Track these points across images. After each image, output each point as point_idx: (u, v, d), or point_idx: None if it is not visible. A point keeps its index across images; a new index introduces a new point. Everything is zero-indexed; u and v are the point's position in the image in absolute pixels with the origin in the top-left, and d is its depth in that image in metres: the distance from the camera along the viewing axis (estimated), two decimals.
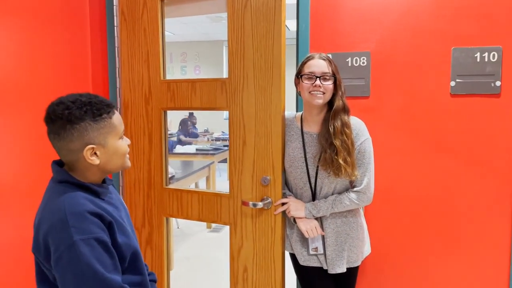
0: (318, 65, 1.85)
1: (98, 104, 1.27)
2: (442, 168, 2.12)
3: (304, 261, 1.97)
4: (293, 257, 2.06)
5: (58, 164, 1.35)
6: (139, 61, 2.33)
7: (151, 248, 2.41)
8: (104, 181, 1.42)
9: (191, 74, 10.23)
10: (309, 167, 1.91)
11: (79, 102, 1.25)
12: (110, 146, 1.30)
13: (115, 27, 2.44)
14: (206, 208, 2.21)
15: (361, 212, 2.03)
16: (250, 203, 2.00)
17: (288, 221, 2.03)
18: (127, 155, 1.39)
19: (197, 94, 2.17)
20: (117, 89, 2.45)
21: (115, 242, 1.29)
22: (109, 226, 1.27)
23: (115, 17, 2.43)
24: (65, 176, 1.30)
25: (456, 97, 2.09)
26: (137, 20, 2.32)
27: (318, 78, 1.83)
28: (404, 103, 2.15)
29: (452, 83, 2.08)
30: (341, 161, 1.80)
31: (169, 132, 7.37)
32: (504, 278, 2.10)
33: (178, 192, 2.30)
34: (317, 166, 1.89)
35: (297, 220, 1.95)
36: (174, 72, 10.38)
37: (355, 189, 1.89)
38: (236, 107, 2.05)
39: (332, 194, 1.93)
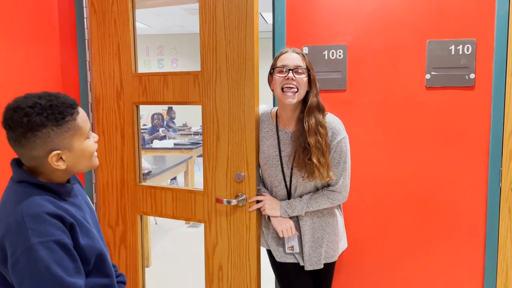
0: (291, 58, 1.79)
1: (59, 107, 1.19)
2: (418, 160, 2.11)
3: (280, 257, 1.92)
4: (270, 253, 2.00)
5: (18, 163, 1.27)
6: (110, 54, 2.24)
7: (125, 247, 2.34)
8: (68, 181, 1.34)
9: (168, 68, 10.11)
10: (284, 166, 1.86)
11: (39, 106, 1.16)
12: (77, 148, 1.23)
13: (85, 19, 2.33)
14: (180, 205, 2.14)
15: (339, 206, 1.98)
16: (224, 200, 1.94)
17: (264, 218, 1.97)
18: (95, 153, 1.32)
19: (170, 88, 2.09)
20: (88, 83, 2.36)
21: (78, 244, 1.22)
22: (71, 228, 1.20)
23: (84, 8, 2.33)
24: (24, 176, 1.22)
25: (432, 89, 2.07)
26: (107, 11, 2.22)
27: (291, 71, 1.77)
28: (380, 96, 2.12)
29: (428, 76, 2.06)
30: (315, 161, 1.75)
31: (143, 126, 7.27)
32: (479, 268, 2.11)
33: (152, 189, 2.22)
34: (292, 166, 1.84)
35: (272, 219, 1.89)
36: (151, 65, 10.27)
37: (330, 188, 1.84)
38: (209, 101, 1.98)
39: (308, 193, 1.88)
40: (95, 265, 1.29)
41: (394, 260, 2.21)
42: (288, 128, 1.88)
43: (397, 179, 2.15)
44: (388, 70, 2.10)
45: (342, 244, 1.99)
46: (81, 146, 1.24)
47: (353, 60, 2.13)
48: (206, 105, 1.99)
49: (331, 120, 1.84)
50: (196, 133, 7.79)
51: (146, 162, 3.93)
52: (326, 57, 2.15)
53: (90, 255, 1.26)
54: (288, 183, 1.87)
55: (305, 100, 1.83)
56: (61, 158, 1.21)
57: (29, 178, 1.22)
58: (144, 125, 7.68)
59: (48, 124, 1.17)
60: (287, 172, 1.86)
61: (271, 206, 1.87)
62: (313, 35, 2.15)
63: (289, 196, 1.89)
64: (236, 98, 1.90)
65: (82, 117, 1.25)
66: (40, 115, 1.15)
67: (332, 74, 2.15)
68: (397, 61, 2.09)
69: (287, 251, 1.90)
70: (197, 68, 2.05)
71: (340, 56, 2.13)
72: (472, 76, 2.02)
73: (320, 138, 1.76)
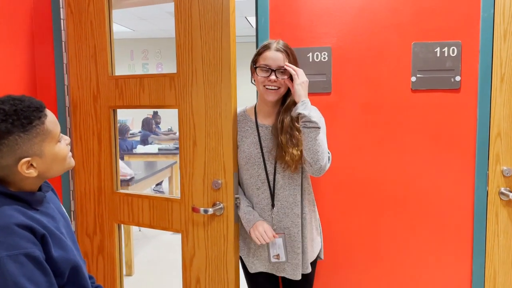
0: (275, 57, 1.72)
1: (25, 111, 1.11)
2: (404, 163, 2.07)
3: (253, 268, 1.86)
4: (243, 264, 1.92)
5: None
6: (87, 56, 2.15)
7: (103, 257, 2.24)
8: (40, 188, 1.25)
9: (153, 72, 10.03)
10: (266, 163, 1.78)
11: (2, 112, 1.09)
12: (48, 154, 1.16)
13: (62, 20, 2.24)
14: (157, 214, 2.04)
15: (315, 210, 1.92)
16: (201, 209, 1.84)
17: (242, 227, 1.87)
18: (69, 154, 1.23)
19: (146, 91, 2.00)
20: (65, 86, 2.26)
21: (50, 256, 1.15)
22: (42, 239, 1.13)
23: (61, 9, 2.23)
24: None
25: (417, 92, 2.03)
26: (83, 11, 2.13)
27: (273, 72, 1.71)
28: (365, 99, 2.07)
29: (413, 79, 2.01)
30: (288, 158, 1.71)
31: (131, 132, 7.13)
32: (467, 273, 2.08)
33: (129, 197, 2.13)
34: (275, 162, 1.77)
35: (245, 227, 1.80)
36: (135, 69, 10.19)
37: None
38: (186, 104, 1.89)
39: (292, 193, 1.79)
40: (69, 278, 1.21)
41: (377, 265, 2.14)
42: (268, 123, 1.82)
43: (382, 183, 2.10)
44: (373, 73, 2.05)
45: (319, 246, 1.93)
46: (52, 151, 1.17)
47: (338, 62, 2.07)
48: (183, 108, 1.90)
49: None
50: None
51: (128, 168, 3.83)
52: (310, 60, 2.08)
53: (63, 268, 1.18)
54: (271, 182, 1.78)
55: (286, 94, 1.78)
56: (31, 165, 1.14)
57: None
58: (132, 133, 7.51)
59: (14, 130, 1.09)
60: (270, 169, 1.78)
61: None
62: (297, 37, 2.08)
63: (272, 199, 1.80)
64: (212, 101, 1.81)
65: (50, 120, 1.17)
66: (5, 122, 1.08)
67: (316, 76, 2.08)
68: (382, 64, 2.04)
69: (272, 259, 1.80)
70: None
71: (324, 58, 2.07)
72: (457, 78, 1.98)
73: (296, 132, 1.72)
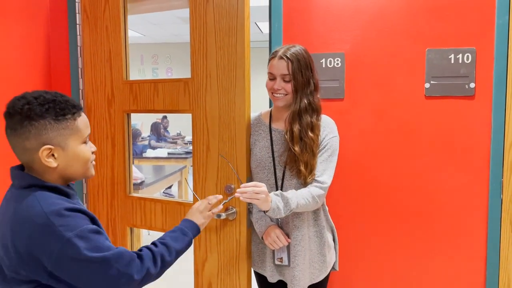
0: (277, 66, 1.71)
1: (62, 104, 1.17)
2: (418, 171, 2.05)
3: (267, 275, 1.84)
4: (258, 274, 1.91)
5: (20, 169, 1.23)
6: (102, 61, 2.17)
7: None
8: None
9: (163, 77, 10.07)
10: (276, 168, 1.77)
11: (42, 98, 1.15)
12: (71, 149, 1.19)
13: (78, 25, 2.26)
14: (170, 218, 2.04)
15: (328, 218, 1.89)
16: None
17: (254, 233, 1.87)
18: (92, 163, 1.26)
19: (160, 95, 2.01)
20: (80, 90, 2.28)
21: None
22: (93, 221, 1.18)
23: (77, 15, 2.26)
24: (31, 180, 1.17)
25: (431, 99, 2.01)
26: (99, 17, 2.15)
27: (277, 80, 1.71)
28: (379, 105, 2.06)
29: (427, 85, 2.00)
30: (302, 168, 1.70)
31: (141, 136, 7.15)
32: (480, 282, 2.04)
33: (142, 200, 2.13)
34: (284, 167, 1.75)
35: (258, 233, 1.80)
36: (145, 74, 10.22)
37: (315, 183, 1.72)
38: (200, 109, 1.89)
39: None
40: None
41: (391, 273, 2.11)
42: (281, 127, 1.81)
43: (396, 190, 2.08)
44: (387, 79, 2.04)
45: (332, 258, 1.89)
46: (76, 149, 1.20)
47: (351, 68, 2.06)
48: (196, 113, 1.90)
49: (327, 119, 1.80)
50: (190, 142, 7.69)
51: (139, 172, 3.84)
52: (323, 65, 2.07)
53: None
54: (279, 188, 1.77)
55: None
56: (52, 155, 1.17)
57: (36, 181, 1.17)
58: (142, 137, 7.53)
59: (47, 116, 1.14)
60: (279, 174, 1.77)
61: (265, 199, 1.62)
62: (310, 43, 2.08)
63: None
64: (226, 106, 1.81)
65: (83, 120, 1.22)
66: (41, 106, 1.14)
67: (329, 82, 2.07)
68: (396, 70, 2.03)
69: (276, 262, 1.79)
70: None
71: (338, 64, 2.06)
72: (472, 85, 1.96)
73: (309, 140, 1.71)
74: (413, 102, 2.02)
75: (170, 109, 1.99)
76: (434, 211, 2.05)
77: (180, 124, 8.62)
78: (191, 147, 6.90)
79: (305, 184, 1.73)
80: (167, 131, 7.97)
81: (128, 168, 2.17)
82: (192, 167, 1.98)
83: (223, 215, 1.80)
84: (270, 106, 2.13)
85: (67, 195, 1.20)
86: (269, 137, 1.80)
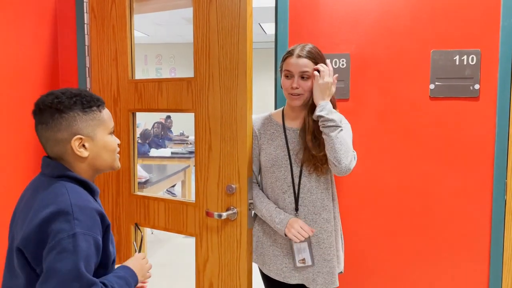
0: (296, 64, 1.71)
1: (87, 97, 1.25)
2: (422, 172, 2.05)
3: (284, 277, 1.81)
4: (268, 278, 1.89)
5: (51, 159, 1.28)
6: (108, 60, 2.18)
7: (119, 258, 2.25)
8: None
9: (166, 77, 10.08)
10: (293, 165, 1.77)
11: (69, 93, 1.24)
12: (99, 139, 1.26)
13: (86, 25, 2.28)
14: (173, 217, 2.04)
15: (338, 219, 1.88)
16: (215, 213, 1.83)
17: (258, 231, 1.87)
18: (117, 155, 1.32)
19: (164, 94, 2.01)
20: (88, 89, 2.29)
21: (106, 248, 1.24)
22: (106, 229, 1.23)
23: (85, 14, 2.27)
24: (63, 170, 1.24)
25: (436, 100, 2.01)
26: (106, 16, 2.16)
27: (295, 78, 1.71)
28: (383, 106, 2.06)
29: (432, 86, 2.00)
30: (313, 160, 1.72)
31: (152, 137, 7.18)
32: (484, 284, 2.03)
33: (146, 199, 2.14)
34: (301, 165, 1.76)
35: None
36: (149, 74, 10.23)
37: None
38: (202, 109, 1.89)
39: (320, 197, 1.77)
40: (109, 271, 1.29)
41: (394, 274, 2.10)
42: (296, 126, 1.81)
43: (400, 191, 2.08)
44: (391, 80, 2.04)
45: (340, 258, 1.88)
46: (104, 138, 1.27)
47: (357, 69, 2.06)
48: (199, 113, 1.90)
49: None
50: (193, 142, 7.71)
51: (144, 171, 3.87)
52: None
53: (110, 261, 1.27)
54: (296, 186, 1.76)
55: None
56: (83, 145, 1.23)
57: (67, 172, 1.23)
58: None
59: (75, 108, 1.22)
60: (297, 172, 1.76)
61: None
62: (316, 43, 2.03)
63: (296, 203, 1.77)
64: (228, 105, 1.81)
65: (107, 113, 1.30)
66: (69, 99, 1.22)
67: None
68: (401, 71, 2.02)
69: (298, 264, 1.76)
70: None
71: (343, 65, 2.06)
72: (476, 86, 1.95)
73: (321, 135, 1.71)
74: (417, 103, 2.01)
75: (173, 108, 1.99)
76: (438, 212, 2.03)
77: (183, 124, 8.62)
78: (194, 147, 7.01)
79: (325, 174, 1.76)
80: (171, 130, 7.98)
81: (133, 167, 2.18)
82: (194, 167, 1.97)
83: (224, 215, 1.80)
84: (276, 106, 2.14)
85: (93, 192, 1.27)
86: (283, 136, 1.80)
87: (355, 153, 1.74)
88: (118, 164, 1.33)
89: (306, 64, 1.70)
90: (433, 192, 2.03)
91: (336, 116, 1.67)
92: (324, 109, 1.66)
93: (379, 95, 2.04)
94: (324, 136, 1.67)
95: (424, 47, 1.98)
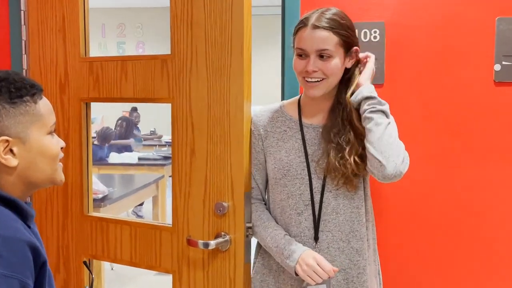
0: (311, 38, 1.68)
1: (17, 82, 1.21)
2: (481, 177, 2.08)
3: None
4: None
5: None
6: (53, 31, 2.19)
7: None
8: None
9: (132, 53, 10.01)
10: (312, 177, 1.76)
11: None
12: (34, 142, 1.23)
13: None
14: (141, 247, 2.05)
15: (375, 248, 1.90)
16: (200, 242, 1.82)
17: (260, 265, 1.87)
18: (60, 164, 1.30)
19: (129, 78, 2.03)
20: (24, 71, 2.30)
21: None
22: (42, 267, 1.20)
23: None
24: None
25: (502, 85, 2.02)
26: None
27: (311, 58, 1.69)
28: (431, 94, 2.08)
29: (497, 67, 2.01)
30: (352, 158, 1.70)
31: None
32: None
33: (104, 222, 2.15)
34: (324, 176, 1.75)
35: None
36: (108, 50, 10.21)
37: None
38: (182, 98, 1.90)
39: (349, 219, 1.76)
40: None
41: None
42: (317, 122, 1.81)
43: (454, 204, 2.10)
44: (441, 58, 2.06)
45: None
46: (40, 141, 1.24)
47: (394, 43, 2.08)
48: (178, 103, 1.91)
49: None
50: (169, 144, 7.67)
51: (101, 184, 3.88)
52: None
53: None
54: (317, 205, 1.76)
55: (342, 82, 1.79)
56: (11, 150, 1.20)
57: None
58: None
59: None
60: (317, 185, 1.76)
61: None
62: (338, 7, 2.04)
63: (316, 230, 1.77)
64: (218, 94, 1.81)
65: (46, 104, 1.27)
66: None
67: None
68: (455, 46, 2.05)
69: None
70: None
71: (375, 38, 2.08)
72: None
73: (358, 133, 1.73)
74: (477, 90, 2.03)
75: (142, 97, 2.01)
76: (501, 228, 2.07)
77: (155, 120, 8.58)
78: (169, 150, 6.93)
79: (357, 188, 1.76)
80: (138, 128, 7.96)
81: (86, 178, 2.19)
82: (171, 178, 1.98)
83: (212, 244, 1.79)
84: (284, 94, 2.15)
85: (24, 216, 1.23)
86: (299, 136, 1.80)
87: (407, 153, 1.72)
88: (61, 176, 1.31)
89: (325, 38, 1.67)
90: (496, 204, 2.06)
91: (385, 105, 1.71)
92: (372, 90, 1.70)
93: (424, 79, 2.06)
94: (368, 126, 1.66)
95: (487, 13, 1.99)
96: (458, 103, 2.04)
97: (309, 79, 1.70)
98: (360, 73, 1.76)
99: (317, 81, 1.70)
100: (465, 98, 2.04)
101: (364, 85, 1.72)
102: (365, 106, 1.68)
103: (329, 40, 1.67)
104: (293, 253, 1.71)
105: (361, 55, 1.76)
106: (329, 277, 1.69)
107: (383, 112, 1.66)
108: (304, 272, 1.68)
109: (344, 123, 1.73)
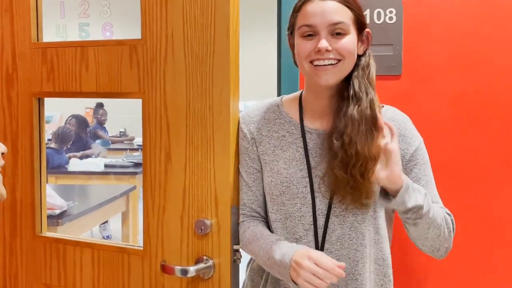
0: (323, 10, 1.67)
1: None
2: None
3: None
4: None
5: None
6: None
7: None
8: None
9: (98, 38, 10.00)
10: (316, 195, 1.75)
11: None
12: None
13: None
14: (106, 275, 2.06)
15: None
16: (177, 268, 1.82)
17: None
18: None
19: (91, 68, 2.03)
20: None
21: None
22: None
23: None
24: None
25: None
26: None
27: (322, 35, 1.67)
28: (460, 87, 2.10)
29: None
30: (361, 194, 1.67)
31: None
32: None
33: (60, 244, 2.15)
34: (331, 194, 1.74)
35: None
36: (69, 34, 10.20)
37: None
38: (155, 92, 1.91)
39: (359, 247, 1.75)
40: None
41: None
42: (322, 126, 1.79)
43: (485, 218, 2.13)
44: (474, 43, 2.07)
45: None
46: None
47: (413, 26, 2.11)
48: (150, 98, 1.92)
49: (397, 115, 1.84)
50: (142, 148, 7.72)
51: (58, 197, 3.89)
52: (367, 21, 2.04)
53: None
54: (321, 229, 1.76)
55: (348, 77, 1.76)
56: None
57: None
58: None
59: None
60: (322, 206, 1.75)
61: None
62: None
63: None
64: (198, 87, 1.83)
65: None
66: None
67: (378, 49, 2.08)
68: (490, 29, 2.06)
69: None
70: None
71: (391, 18, 2.11)
72: None
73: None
74: None
75: (107, 92, 2.02)
76: None
77: (124, 119, 8.56)
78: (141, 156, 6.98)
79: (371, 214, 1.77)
80: (104, 128, 7.95)
81: (38, 189, 2.19)
82: (142, 190, 1.99)
83: (192, 271, 1.79)
84: (281, 89, 2.17)
85: None
86: (301, 144, 1.80)
87: (451, 216, 1.78)
88: (1, 190, 1.31)
89: (339, 9, 1.67)
90: None
91: (420, 189, 1.68)
92: (412, 192, 1.62)
93: (452, 69, 2.08)
94: (410, 228, 1.70)
95: None
96: (495, 98, 2.06)
97: (321, 62, 1.68)
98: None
99: (330, 64, 1.68)
100: (501, 91, 2.05)
101: (401, 188, 1.62)
102: (409, 214, 1.64)
103: (343, 12, 1.67)
104: (284, 257, 1.67)
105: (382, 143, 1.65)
106: (336, 277, 1.60)
107: (425, 211, 1.63)
108: (302, 278, 1.60)
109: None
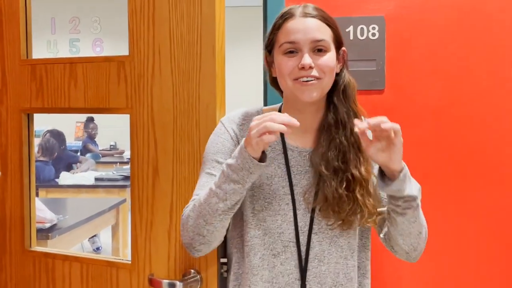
0: (305, 27, 1.66)
1: None
2: (497, 195, 2.11)
3: None
4: None
5: None
6: None
7: None
8: None
9: (88, 54, 9.98)
10: (297, 212, 1.73)
11: None
12: None
13: None
14: None
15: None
16: (165, 282, 1.81)
17: None
18: None
19: (79, 84, 2.05)
20: None
21: None
22: None
23: None
24: None
25: None
26: None
27: (305, 52, 1.66)
28: (441, 100, 2.10)
29: None
30: (359, 196, 1.67)
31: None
32: None
33: (50, 259, 2.14)
34: (312, 211, 1.72)
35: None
36: (58, 48, 10.18)
37: None
38: (143, 107, 1.92)
39: (343, 267, 1.74)
40: None
41: None
42: (304, 144, 1.76)
43: (467, 230, 2.13)
44: (456, 58, 2.08)
45: None
46: None
47: (396, 41, 2.10)
48: (137, 113, 1.93)
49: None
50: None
51: (48, 210, 3.87)
52: (351, 37, 2.11)
53: None
54: (303, 247, 1.72)
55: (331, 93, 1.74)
56: None
57: None
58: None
59: None
60: (303, 223, 1.72)
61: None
62: (330, 1, 2.09)
63: (302, 278, 1.73)
64: (185, 102, 1.84)
65: None
66: None
67: (361, 64, 2.09)
68: (469, 44, 2.06)
69: None
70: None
71: (374, 35, 2.10)
72: None
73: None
74: (500, 96, 2.05)
75: (95, 107, 2.03)
76: None
77: (115, 133, 8.51)
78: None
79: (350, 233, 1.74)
80: (95, 142, 7.94)
81: (28, 203, 2.19)
82: (130, 204, 1.99)
83: (179, 285, 1.79)
84: (267, 99, 2.14)
85: None
86: (282, 160, 1.76)
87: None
88: None
89: (320, 26, 1.67)
90: None
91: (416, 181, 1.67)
92: (410, 181, 1.61)
93: (434, 83, 2.08)
94: (399, 218, 1.65)
95: (507, 4, 2.01)
96: (475, 110, 2.06)
97: (304, 79, 1.65)
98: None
99: (312, 80, 1.66)
100: (485, 104, 2.06)
101: (398, 174, 1.58)
102: (400, 202, 1.62)
103: (324, 30, 1.67)
104: (235, 152, 1.56)
105: (383, 125, 1.54)
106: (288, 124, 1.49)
107: (417, 203, 1.63)
108: (254, 136, 1.48)
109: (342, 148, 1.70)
